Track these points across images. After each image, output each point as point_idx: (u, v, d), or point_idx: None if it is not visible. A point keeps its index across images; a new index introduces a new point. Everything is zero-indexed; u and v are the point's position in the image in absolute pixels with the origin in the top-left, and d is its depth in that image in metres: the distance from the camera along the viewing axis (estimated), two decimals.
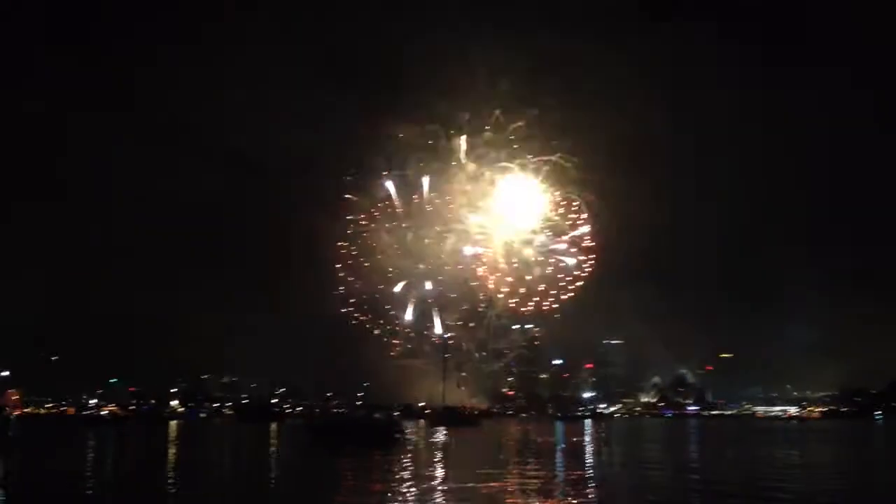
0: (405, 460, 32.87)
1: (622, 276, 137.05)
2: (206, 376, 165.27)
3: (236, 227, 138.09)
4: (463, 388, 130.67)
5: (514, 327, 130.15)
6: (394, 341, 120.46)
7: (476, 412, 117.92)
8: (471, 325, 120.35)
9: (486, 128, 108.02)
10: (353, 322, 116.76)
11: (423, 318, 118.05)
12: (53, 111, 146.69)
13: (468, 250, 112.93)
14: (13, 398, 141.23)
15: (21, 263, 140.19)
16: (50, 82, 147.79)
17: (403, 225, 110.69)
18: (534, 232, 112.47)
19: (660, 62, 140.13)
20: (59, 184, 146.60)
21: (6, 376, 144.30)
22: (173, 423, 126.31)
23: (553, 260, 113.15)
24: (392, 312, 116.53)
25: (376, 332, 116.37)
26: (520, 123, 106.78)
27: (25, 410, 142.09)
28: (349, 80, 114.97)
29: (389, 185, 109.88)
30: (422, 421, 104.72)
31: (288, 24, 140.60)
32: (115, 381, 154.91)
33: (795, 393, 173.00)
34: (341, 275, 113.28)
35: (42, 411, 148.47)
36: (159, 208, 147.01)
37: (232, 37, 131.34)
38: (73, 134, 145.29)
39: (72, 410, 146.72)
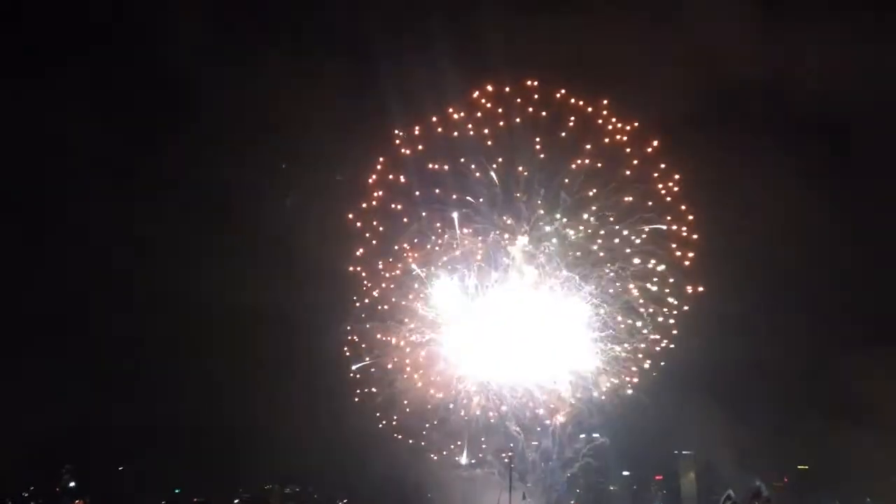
0: None
1: (692, 382, 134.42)
2: (269, 486, 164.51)
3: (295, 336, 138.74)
4: (529, 500, 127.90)
5: (580, 436, 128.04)
6: (456, 452, 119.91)
7: None
8: (535, 433, 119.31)
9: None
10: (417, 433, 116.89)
11: (486, 427, 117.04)
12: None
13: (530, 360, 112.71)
14: None
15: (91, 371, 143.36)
16: None
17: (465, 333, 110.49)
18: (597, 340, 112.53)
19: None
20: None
21: (73, 487, 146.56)
22: None
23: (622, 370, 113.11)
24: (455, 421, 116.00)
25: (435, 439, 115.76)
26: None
27: None
28: None
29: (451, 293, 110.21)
30: None
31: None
32: (179, 492, 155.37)
33: None
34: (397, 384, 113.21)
35: None
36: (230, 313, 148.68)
37: None
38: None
39: None
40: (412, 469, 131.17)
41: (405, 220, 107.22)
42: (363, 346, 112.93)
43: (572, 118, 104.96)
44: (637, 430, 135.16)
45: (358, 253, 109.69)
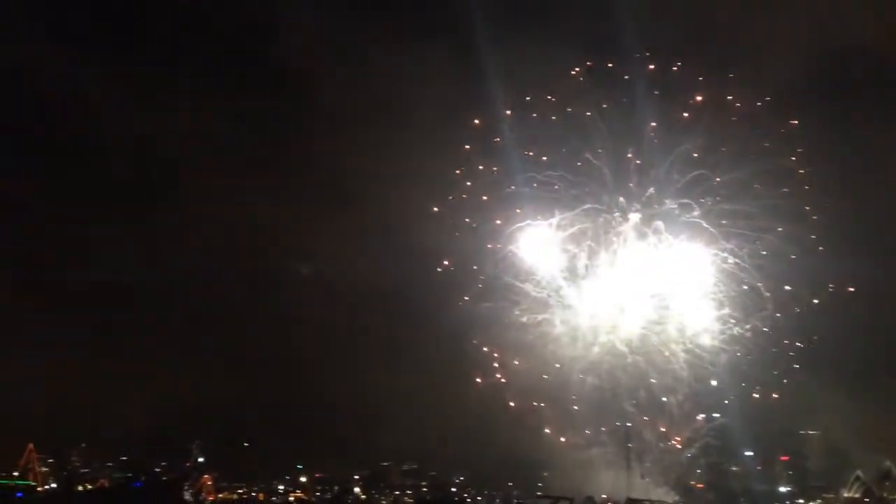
0: None
1: (818, 359, 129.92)
2: (387, 463, 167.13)
3: (413, 318, 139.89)
4: (647, 480, 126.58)
5: (699, 416, 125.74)
6: (569, 431, 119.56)
7: None
8: (651, 413, 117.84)
9: None
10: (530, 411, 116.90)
11: (600, 406, 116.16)
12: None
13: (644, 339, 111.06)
14: (208, 483, 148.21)
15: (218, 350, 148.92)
16: None
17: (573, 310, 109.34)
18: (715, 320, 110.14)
19: None
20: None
21: (202, 462, 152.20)
22: None
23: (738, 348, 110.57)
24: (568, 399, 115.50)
25: (546, 416, 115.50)
26: None
27: (219, 496, 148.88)
28: None
29: (554, 271, 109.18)
30: None
31: None
32: (301, 468, 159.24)
33: None
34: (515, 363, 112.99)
35: (235, 497, 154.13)
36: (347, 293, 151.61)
37: None
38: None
39: (262, 496, 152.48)
40: (528, 448, 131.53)
41: (513, 202, 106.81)
42: (476, 327, 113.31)
43: (698, 96, 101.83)
44: (760, 410, 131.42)
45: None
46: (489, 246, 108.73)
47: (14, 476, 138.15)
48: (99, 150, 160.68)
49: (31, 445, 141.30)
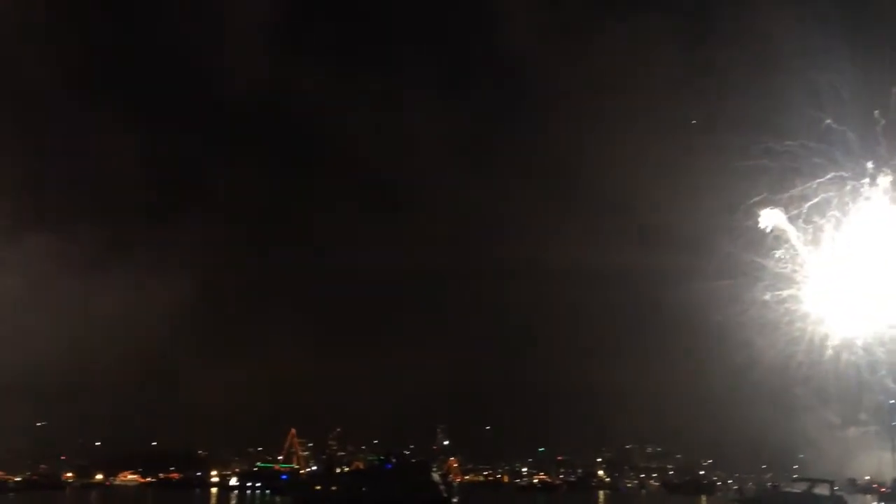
0: None
1: None
2: (629, 446, 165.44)
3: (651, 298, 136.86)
4: None
5: None
6: (826, 411, 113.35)
7: None
8: None
9: None
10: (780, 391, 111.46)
11: (858, 384, 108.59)
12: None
13: None
14: (454, 465, 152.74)
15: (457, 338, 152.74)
16: None
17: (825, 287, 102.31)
18: None
19: None
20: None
21: (447, 445, 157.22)
22: (601, 492, 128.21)
23: None
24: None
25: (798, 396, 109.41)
26: None
27: (465, 478, 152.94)
28: None
29: (798, 245, 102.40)
30: (868, 496, 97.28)
31: None
32: (542, 451, 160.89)
33: None
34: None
35: (480, 479, 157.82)
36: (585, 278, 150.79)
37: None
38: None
39: (506, 478, 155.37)
40: (779, 429, 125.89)
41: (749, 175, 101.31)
42: (717, 305, 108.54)
43: None
44: None
45: None
46: (725, 221, 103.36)
47: (279, 460, 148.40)
48: (323, 151, 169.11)
49: (293, 431, 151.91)
